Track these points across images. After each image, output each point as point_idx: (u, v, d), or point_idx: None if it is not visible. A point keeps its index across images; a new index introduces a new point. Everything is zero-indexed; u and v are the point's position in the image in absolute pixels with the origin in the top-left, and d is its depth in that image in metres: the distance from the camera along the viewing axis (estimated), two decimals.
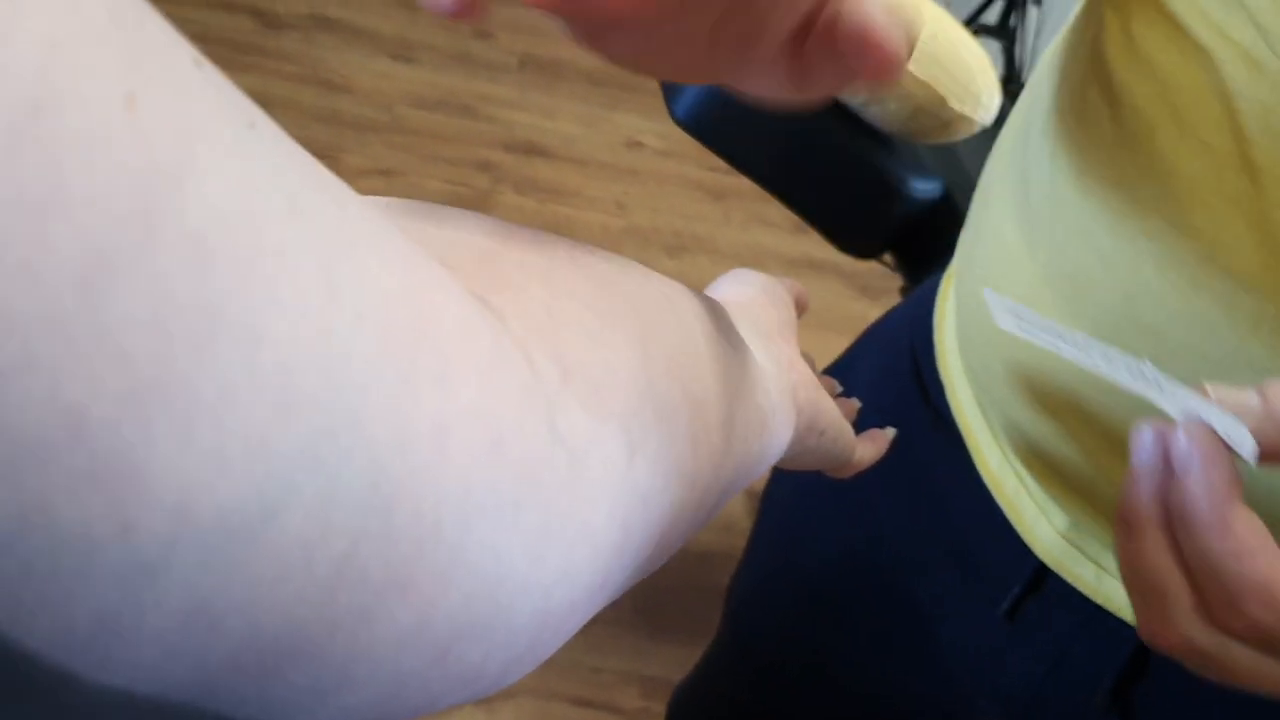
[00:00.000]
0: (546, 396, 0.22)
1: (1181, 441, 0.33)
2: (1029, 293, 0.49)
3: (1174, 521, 0.34)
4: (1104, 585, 0.56)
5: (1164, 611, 0.35)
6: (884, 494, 0.65)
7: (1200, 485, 0.32)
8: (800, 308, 0.49)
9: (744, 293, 0.44)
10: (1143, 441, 0.35)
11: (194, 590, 0.15)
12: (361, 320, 0.17)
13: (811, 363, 0.51)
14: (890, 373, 0.60)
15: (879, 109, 1.05)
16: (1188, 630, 0.34)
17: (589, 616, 0.26)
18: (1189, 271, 0.41)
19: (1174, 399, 0.34)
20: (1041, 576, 0.58)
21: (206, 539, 0.15)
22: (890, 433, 0.52)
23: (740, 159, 1.00)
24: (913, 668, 0.68)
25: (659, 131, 2.56)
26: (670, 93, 1.02)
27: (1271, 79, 0.37)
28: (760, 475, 0.39)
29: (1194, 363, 0.43)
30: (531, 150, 2.45)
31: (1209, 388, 0.33)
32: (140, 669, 0.15)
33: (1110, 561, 0.54)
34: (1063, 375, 0.49)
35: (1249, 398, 0.32)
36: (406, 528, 0.18)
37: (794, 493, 0.73)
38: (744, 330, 0.38)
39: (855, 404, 0.52)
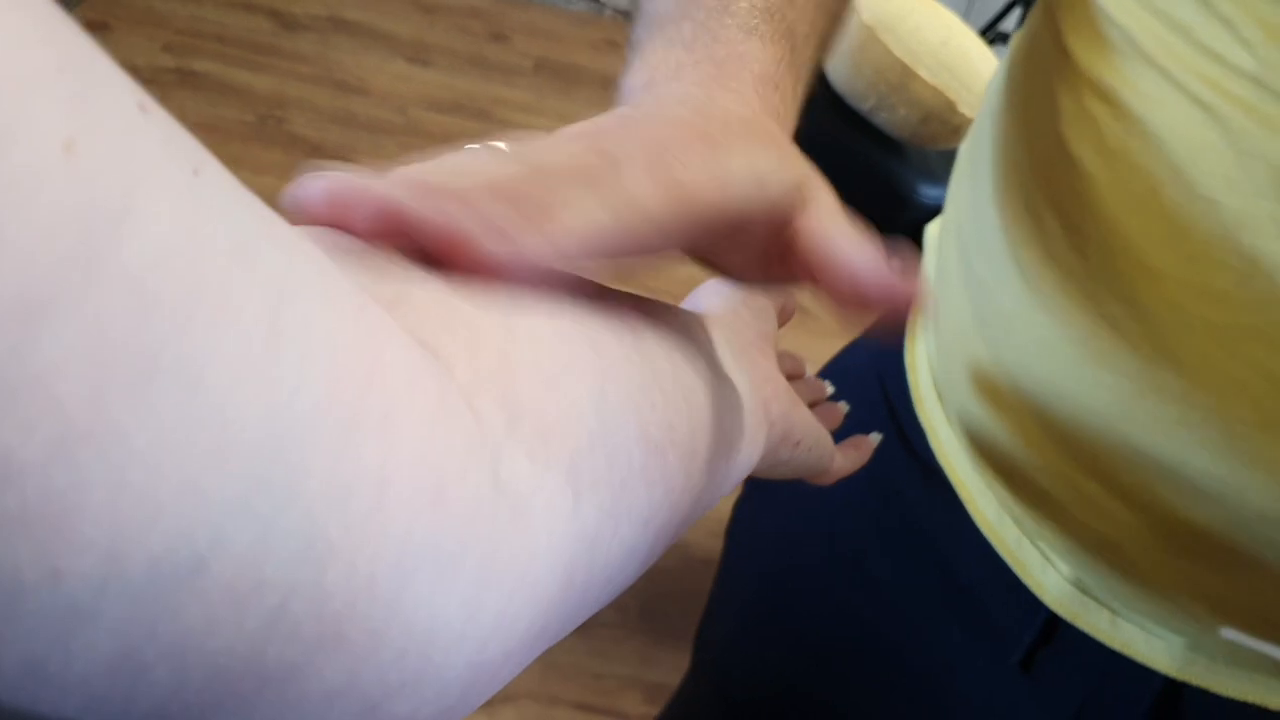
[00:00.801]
0: (491, 446, 0.21)
1: None
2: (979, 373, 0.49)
3: None
4: (1120, 631, 0.53)
5: None
6: (878, 545, 0.62)
7: None
8: (785, 316, 0.48)
9: (721, 305, 0.43)
10: None
11: (122, 638, 0.15)
12: (303, 369, 0.17)
13: (801, 365, 0.50)
14: (862, 424, 0.55)
15: (889, 115, 1.05)
16: None
17: (527, 663, 0.25)
18: (1170, 404, 0.41)
19: None
20: (1053, 627, 0.56)
21: (136, 586, 0.15)
22: (874, 439, 0.50)
23: None
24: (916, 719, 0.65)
25: None
26: None
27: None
28: (729, 492, 0.39)
29: (1226, 428, 0.42)
30: None
31: None
32: (66, 714, 0.15)
33: (1125, 606, 0.52)
34: (1069, 428, 0.47)
35: None
36: (340, 583, 0.18)
37: (777, 537, 0.70)
38: (719, 347, 0.37)
39: (843, 408, 0.50)
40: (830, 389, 0.52)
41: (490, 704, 1.48)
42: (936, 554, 0.60)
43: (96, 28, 2.43)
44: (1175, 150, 0.40)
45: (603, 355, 0.27)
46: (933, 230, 0.59)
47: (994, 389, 0.51)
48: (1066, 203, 0.45)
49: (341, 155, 2.30)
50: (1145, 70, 0.41)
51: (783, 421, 0.40)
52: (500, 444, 0.22)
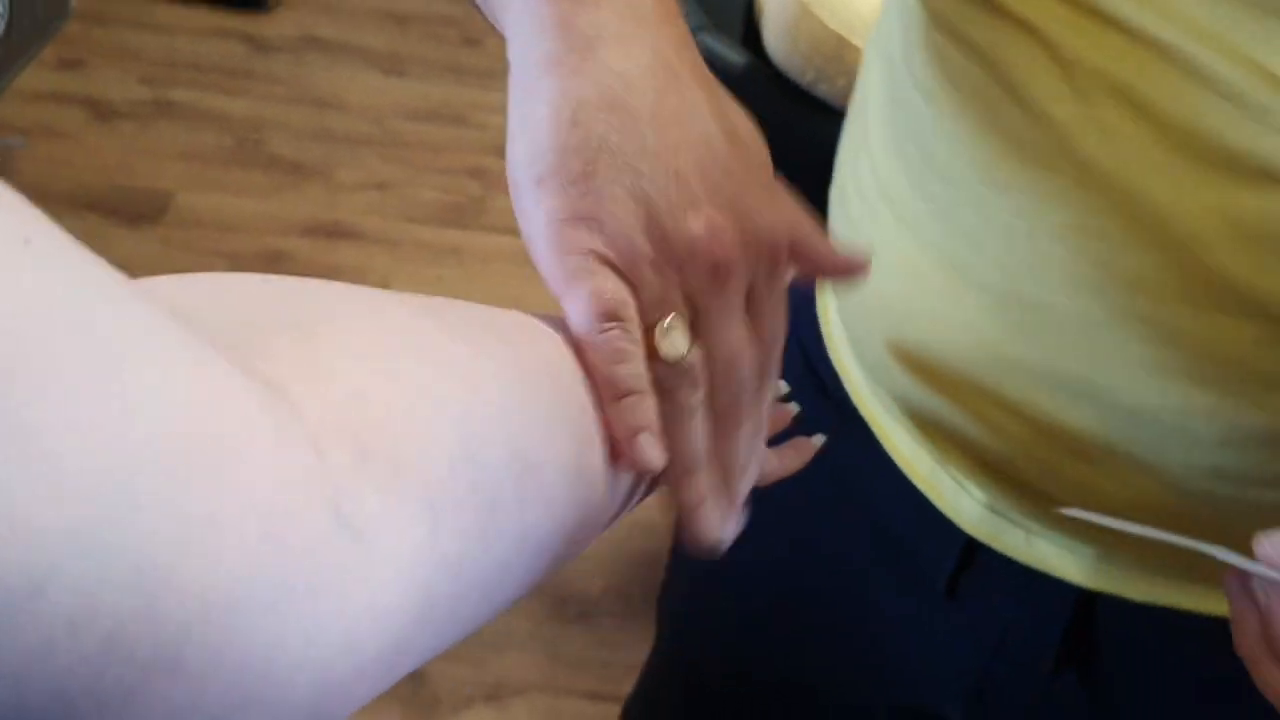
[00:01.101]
0: (333, 484, 0.23)
1: (1256, 592, 0.39)
2: (909, 265, 0.50)
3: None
4: (1035, 548, 0.55)
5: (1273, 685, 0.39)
6: (803, 495, 0.64)
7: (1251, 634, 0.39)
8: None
9: None
10: (1230, 589, 0.40)
11: None
12: (133, 418, 0.19)
13: None
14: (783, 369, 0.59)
15: (828, 86, 1.05)
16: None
17: (394, 677, 0.27)
18: (1067, 239, 0.44)
19: (1240, 564, 0.40)
20: (971, 552, 0.58)
21: None
22: (817, 441, 0.51)
23: None
24: (859, 667, 0.67)
25: None
26: None
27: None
28: (645, 498, 0.40)
29: (1082, 328, 0.44)
30: None
31: (1264, 540, 0.39)
32: None
33: (1038, 523, 0.54)
34: (952, 349, 0.50)
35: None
36: (174, 611, 0.19)
37: None
38: None
39: (792, 409, 0.51)
40: (784, 389, 0.53)
41: (501, 699, 1.50)
42: (859, 496, 0.62)
43: (71, 65, 2.45)
44: (1009, 71, 0.43)
45: (470, 384, 0.29)
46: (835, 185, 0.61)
47: (885, 323, 0.53)
48: (923, 133, 0.48)
49: (321, 170, 2.32)
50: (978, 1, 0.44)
51: None
52: (345, 481, 0.23)
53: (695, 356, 0.36)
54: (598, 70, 0.35)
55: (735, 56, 0.97)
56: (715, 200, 0.36)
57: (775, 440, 0.48)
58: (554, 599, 1.62)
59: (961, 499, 0.56)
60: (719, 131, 0.36)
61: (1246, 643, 0.40)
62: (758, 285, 0.38)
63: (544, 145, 0.34)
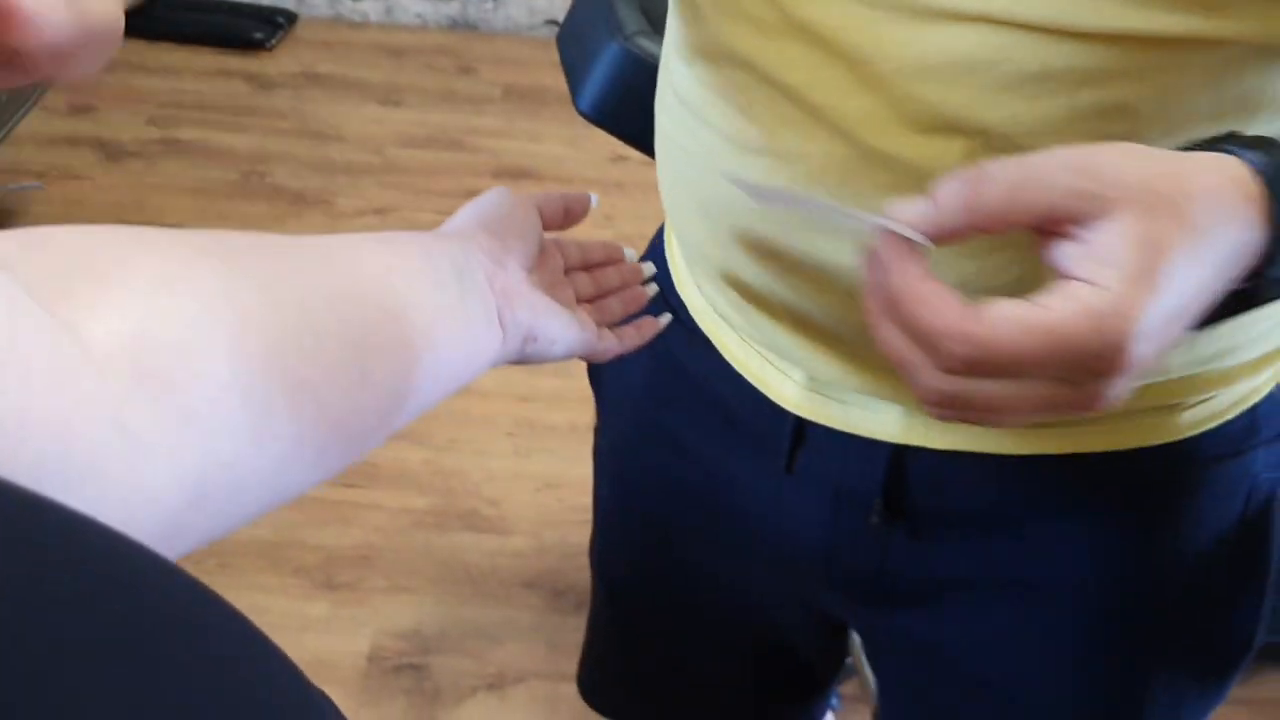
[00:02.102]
0: (114, 399, 0.31)
1: (879, 248, 0.43)
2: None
3: (892, 306, 0.42)
4: (850, 415, 0.64)
5: (915, 377, 0.43)
6: (671, 411, 0.74)
7: (897, 274, 0.42)
8: (573, 217, 0.58)
9: (464, 225, 0.53)
10: (866, 260, 0.44)
11: None
12: None
13: (601, 254, 0.59)
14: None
15: None
16: (934, 384, 0.42)
17: (178, 552, 0.35)
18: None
19: (871, 223, 0.44)
20: (802, 430, 0.67)
21: None
22: (663, 321, 0.62)
23: (645, 142, 1.07)
24: (745, 557, 0.76)
25: None
26: (574, 88, 1.11)
27: None
28: (460, 386, 0.48)
29: (837, 172, 0.54)
30: (520, 174, 2.55)
31: (892, 207, 0.43)
32: None
33: (850, 394, 0.63)
34: (758, 220, 0.58)
35: (923, 203, 0.42)
36: None
37: (614, 440, 0.82)
38: (441, 269, 0.46)
39: (651, 290, 0.62)
40: (649, 271, 0.63)
41: (502, 687, 1.56)
42: (710, 396, 0.71)
43: (82, 110, 2.56)
44: None
45: (242, 315, 0.37)
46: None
47: (706, 220, 0.62)
48: (698, 40, 0.59)
49: (323, 200, 2.41)
50: None
51: (525, 325, 0.50)
52: (124, 397, 0.31)
53: None
54: None
55: None
56: None
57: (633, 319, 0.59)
58: (552, 591, 1.69)
59: (786, 384, 0.66)
60: None
61: (870, 306, 0.44)
62: None
63: None
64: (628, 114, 1.06)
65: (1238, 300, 0.44)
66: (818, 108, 0.54)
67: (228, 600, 0.22)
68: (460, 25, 3.07)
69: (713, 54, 0.58)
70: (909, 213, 0.42)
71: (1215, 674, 0.73)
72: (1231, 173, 0.42)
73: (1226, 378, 0.62)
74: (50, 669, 0.17)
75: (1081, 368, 0.40)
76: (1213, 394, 0.63)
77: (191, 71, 2.74)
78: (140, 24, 2.74)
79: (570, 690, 1.61)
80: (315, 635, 1.60)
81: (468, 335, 0.47)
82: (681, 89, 0.61)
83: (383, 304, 0.42)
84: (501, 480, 1.84)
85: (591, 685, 0.97)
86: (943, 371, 0.41)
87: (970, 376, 0.41)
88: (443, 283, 0.46)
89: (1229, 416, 0.64)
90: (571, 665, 1.64)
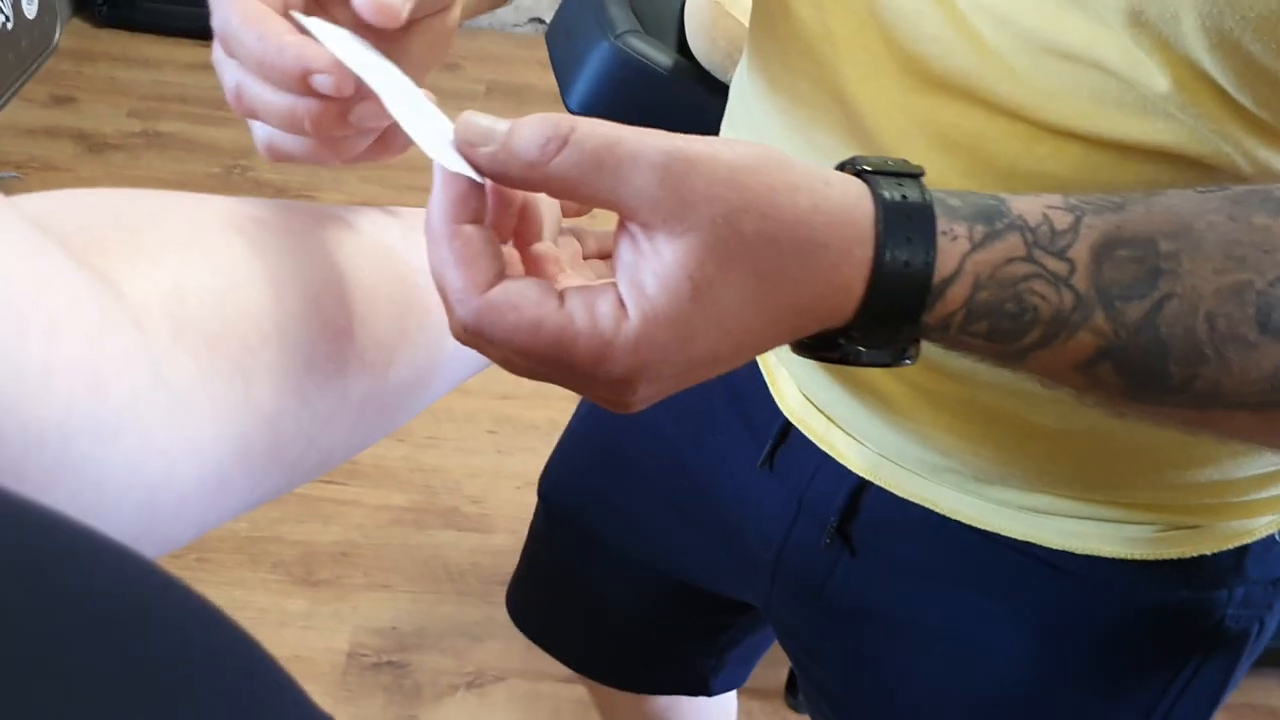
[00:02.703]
0: (152, 352, 0.30)
1: (436, 177, 0.37)
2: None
3: (429, 241, 0.38)
4: (831, 435, 0.66)
5: (447, 309, 0.38)
6: None
7: (435, 205, 0.36)
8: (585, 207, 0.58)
9: None
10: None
11: None
12: None
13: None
14: None
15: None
16: (456, 326, 0.37)
17: (221, 510, 0.34)
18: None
19: (440, 128, 0.38)
20: (787, 431, 0.69)
21: None
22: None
23: None
24: (694, 523, 0.79)
25: None
26: (564, 86, 1.11)
27: None
28: (480, 365, 0.47)
29: None
30: None
31: (465, 115, 0.38)
32: None
33: (838, 415, 0.64)
34: None
35: (500, 126, 0.37)
36: (15, 434, 0.26)
37: None
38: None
39: None
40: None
41: (481, 685, 1.56)
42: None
43: (63, 101, 2.54)
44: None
45: (285, 266, 0.36)
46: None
47: None
48: (747, 68, 0.62)
49: (305, 194, 2.40)
50: None
51: None
52: (163, 350, 0.31)
53: None
54: None
55: (664, 58, 1.05)
56: None
57: None
58: None
59: (788, 385, 0.67)
60: None
61: (429, 226, 0.38)
62: None
63: None
64: (617, 112, 1.06)
65: (830, 349, 0.40)
66: (813, 146, 0.56)
67: (232, 619, 0.22)
68: None
69: (756, 62, 0.61)
70: (479, 139, 0.36)
71: None
72: (848, 230, 0.37)
73: (1213, 512, 0.60)
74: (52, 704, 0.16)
75: (580, 384, 0.37)
76: (1194, 524, 0.61)
77: (174, 64, 2.72)
78: (122, 16, 2.73)
79: (550, 690, 1.61)
80: (294, 631, 1.59)
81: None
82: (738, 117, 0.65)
83: (406, 267, 0.41)
84: (482, 478, 1.84)
85: (518, 606, 1.01)
86: (453, 334, 0.38)
87: (474, 349, 0.38)
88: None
89: (1207, 551, 0.61)
90: (551, 664, 1.63)
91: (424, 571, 1.70)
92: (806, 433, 0.67)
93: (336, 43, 0.39)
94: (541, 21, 3.07)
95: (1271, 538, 0.63)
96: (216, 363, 0.32)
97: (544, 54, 1.22)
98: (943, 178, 0.50)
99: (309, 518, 1.74)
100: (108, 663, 0.17)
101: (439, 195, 0.36)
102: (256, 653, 0.21)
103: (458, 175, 0.36)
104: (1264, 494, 0.60)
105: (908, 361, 0.40)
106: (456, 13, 0.46)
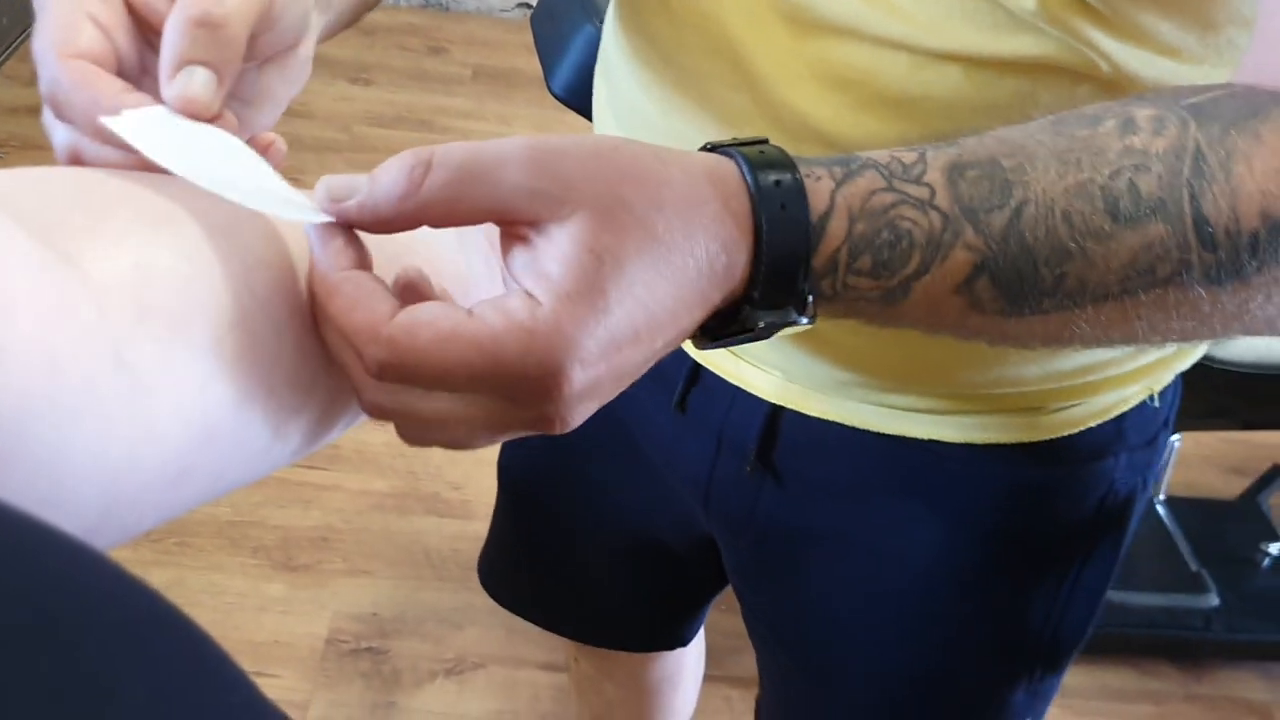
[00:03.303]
0: (114, 335, 0.29)
1: (311, 233, 0.37)
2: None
3: (319, 300, 0.36)
4: (740, 369, 0.69)
5: (353, 382, 0.37)
6: None
7: (316, 261, 0.36)
8: None
9: None
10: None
11: None
12: None
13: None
14: None
15: None
16: (369, 393, 0.36)
17: (183, 500, 0.33)
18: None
19: (281, 188, 0.37)
20: (697, 372, 0.72)
21: None
22: None
23: None
24: (636, 475, 0.82)
25: None
26: (547, 69, 1.10)
27: None
28: None
29: None
30: None
31: (324, 178, 0.37)
32: None
33: (745, 349, 0.67)
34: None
35: (359, 178, 0.36)
36: None
37: None
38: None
39: None
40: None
41: (461, 671, 1.56)
42: None
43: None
44: None
45: (248, 246, 0.35)
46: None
47: None
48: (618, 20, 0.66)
49: (290, 176, 2.37)
50: None
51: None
52: (126, 333, 0.30)
53: None
54: None
55: None
56: None
57: None
58: None
59: None
60: None
61: (315, 283, 0.37)
62: None
63: None
64: None
65: (736, 324, 0.41)
66: (705, 96, 0.58)
67: (185, 617, 0.21)
68: (432, 5, 3.05)
69: (631, 22, 0.63)
70: (343, 194, 0.36)
71: (1043, 663, 0.76)
72: (719, 187, 0.39)
73: (1091, 388, 0.65)
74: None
75: (515, 388, 0.35)
76: (1076, 402, 0.66)
77: None
78: None
79: (529, 677, 1.61)
80: (273, 616, 1.58)
81: (471, 288, 0.45)
82: (611, 68, 0.66)
83: (384, 245, 0.40)
84: (464, 464, 1.83)
85: (490, 577, 1.04)
86: (372, 377, 0.36)
87: (400, 385, 0.36)
88: (440, 235, 0.45)
89: (1092, 424, 0.67)
90: (530, 651, 1.63)
91: (404, 557, 1.69)
92: (716, 370, 0.69)
93: (150, 135, 0.37)
94: (528, 6, 3.05)
95: (1143, 403, 0.68)
96: (181, 347, 0.31)
97: (530, 38, 1.21)
98: (836, 113, 0.54)
99: (289, 502, 1.73)
100: (42, 663, 0.16)
101: (317, 251, 0.36)
102: (207, 650, 0.20)
103: (330, 227, 0.35)
104: (1133, 365, 0.65)
105: (805, 321, 0.41)
106: (310, 43, 0.46)
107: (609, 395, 0.38)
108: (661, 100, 0.61)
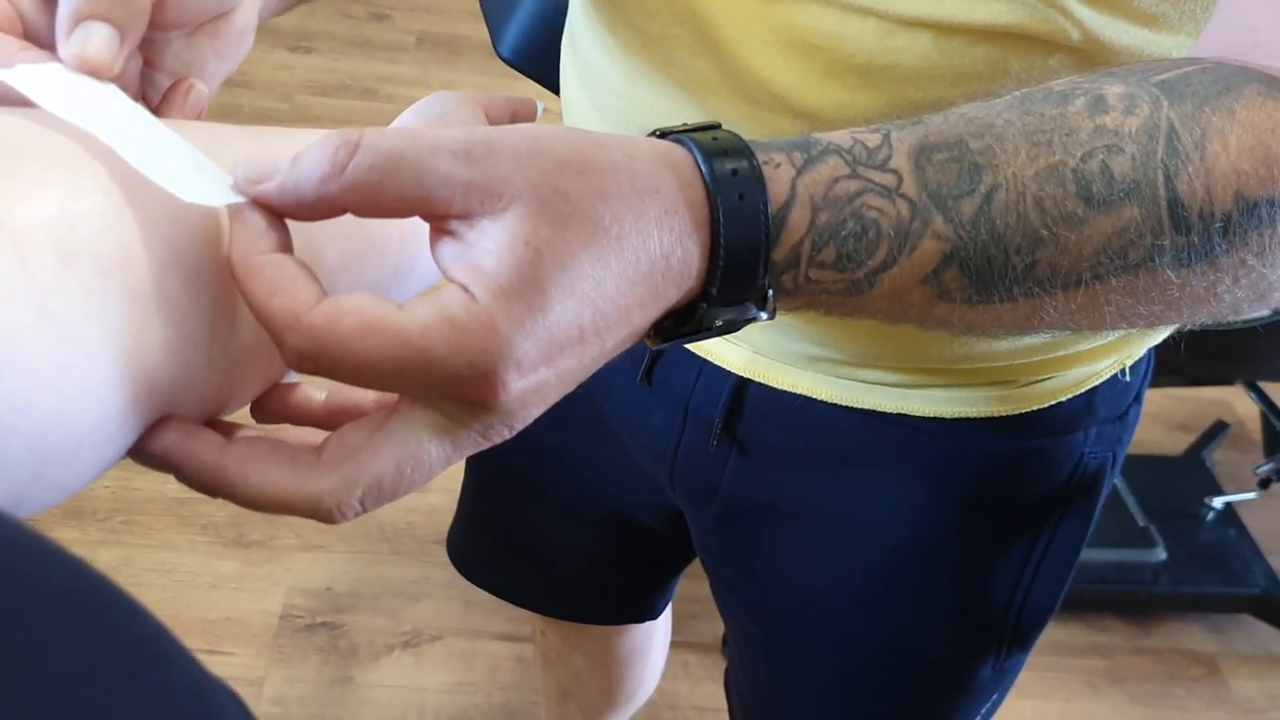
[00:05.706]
0: (36, 283, 0.28)
1: (231, 213, 0.34)
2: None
3: (240, 283, 0.34)
4: (707, 342, 0.67)
5: (279, 344, 0.34)
6: None
7: (234, 244, 0.33)
8: (516, 123, 0.54)
9: (407, 127, 0.50)
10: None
11: None
12: None
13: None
14: None
15: None
16: (294, 342, 0.33)
17: (122, 447, 0.31)
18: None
19: (193, 161, 0.34)
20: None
21: None
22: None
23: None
24: (602, 447, 0.82)
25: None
26: (495, 33, 1.07)
27: None
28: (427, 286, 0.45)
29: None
30: None
31: (244, 156, 0.34)
32: None
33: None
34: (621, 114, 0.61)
35: (281, 161, 0.33)
36: None
37: None
38: None
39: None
40: (541, 110, 0.68)
41: (418, 644, 1.55)
42: None
43: None
44: None
45: (168, 202, 0.33)
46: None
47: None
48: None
49: None
50: None
51: None
52: (49, 280, 0.28)
53: None
54: None
55: None
56: None
57: None
58: None
59: None
60: None
61: (235, 266, 0.34)
62: None
63: None
64: (551, 59, 1.03)
65: (692, 322, 0.38)
66: (669, 61, 0.57)
67: (118, 589, 0.19)
68: None
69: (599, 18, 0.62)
70: (261, 176, 0.33)
71: (1010, 639, 0.76)
72: (671, 175, 0.36)
73: (1063, 363, 0.65)
74: None
75: (446, 389, 0.33)
76: (1048, 376, 0.66)
77: None
78: None
79: (487, 648, 1.60)
80: (225, 594, 1.56)
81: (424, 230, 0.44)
82: (579, 47, 0.65)
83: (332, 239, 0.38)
84: None
85: (457, 552, 1.03)
86: (290, 368, 0.34)
87: (321, 378, 0.34)
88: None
89: (1063, 398, 0.67)
90: (487, 622, 1.62)
91: (358, 531, 1.67)
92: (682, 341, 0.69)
93: (48, 90, 0.34)
94: None
95: (1114, 376, 0.68)
96: (111, 292, 0.29)
97: (474, 5, 1.19)
98: (802, 80, 0.53)
99: None
100: None
101: (235, 232, 0.33)
102: (140, 624, 0.19)
103: (250, 207, 0.33)
104: (1103, 340, 0.65)
105: (765, 316, 0.38)
106: (248, 14, 0.42)
107: (554, 398, 0.36)
108: (625, 65, 0.60)
